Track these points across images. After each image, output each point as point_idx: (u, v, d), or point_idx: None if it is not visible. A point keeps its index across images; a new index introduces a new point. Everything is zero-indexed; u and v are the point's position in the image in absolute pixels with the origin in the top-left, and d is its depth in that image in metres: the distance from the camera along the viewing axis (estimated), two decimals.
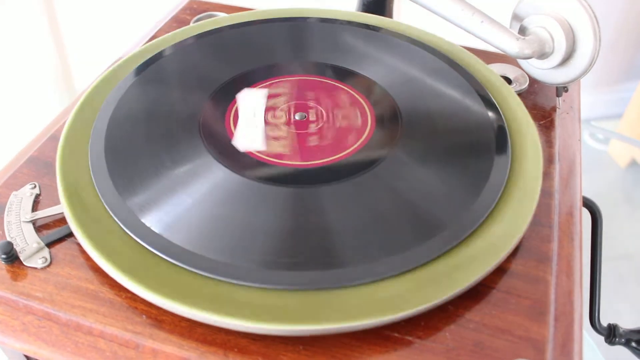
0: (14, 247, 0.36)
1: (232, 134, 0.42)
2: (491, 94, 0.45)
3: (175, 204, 0.37)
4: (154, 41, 0.50)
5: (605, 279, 0.47)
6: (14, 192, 0.40)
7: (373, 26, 0.51)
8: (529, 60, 0.49)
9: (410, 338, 0.32)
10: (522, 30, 0.48)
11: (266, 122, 0.43)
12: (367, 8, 0.59)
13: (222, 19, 0.53)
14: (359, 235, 0.35)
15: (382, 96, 0.45)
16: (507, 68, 0.51)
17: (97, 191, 0.38)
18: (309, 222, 0.36)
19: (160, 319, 0.33)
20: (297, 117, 0.43)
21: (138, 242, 0.35)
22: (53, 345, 0.33)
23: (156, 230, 0.35)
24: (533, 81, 0.50)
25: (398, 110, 0.44)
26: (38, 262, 0.36)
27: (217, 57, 0.49)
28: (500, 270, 0.36)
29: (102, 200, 0.37)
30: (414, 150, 0.41)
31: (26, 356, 0.39)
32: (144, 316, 0.33)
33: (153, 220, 0.36)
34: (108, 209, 0.37)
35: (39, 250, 0.37)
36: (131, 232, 0.35)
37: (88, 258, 0.36)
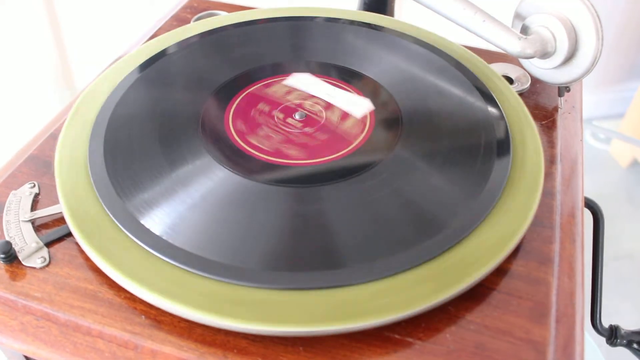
0: (13, 246, 0.36)
1: (232, 134, 0.42)
2: (493, 93, 0.45)
3: (175, 205, 0.37)
4: (153, 40, 0.50)
5: (607, 279, 0.47)
6: (13, 191, 0.40)
7: (374, 25, 0.51)
8: (531, 59, 0.48)
9: (410, 339, 0.32)
10: (524, 30, 0.47)
11: (266, 122, 0.43)
12: (368, 7, 0.59)
13: (222, 18, 0.53)
14: (359, 235, 0.35)
15: (383, 95, 0.45)
16: (509, 68, 0.51)
17: (96, 191, 0.37)
18: (309, 222, 0.36)
19: (159, 319, 0.33)
20: (297, 117, 0.43)
21: (136, 243, 0.35)
22: (52, 346, 0.33)
23: (155, 232, 0.35)
24: (535, 81, 0.50)
25: (399, 109, 0.43)
26: (37, 262, 0.36)
27: (217, 57, 0.48)
28: (501, 272, 0.35)
29: (101, 201, 0.37)
30: (414, 149, 0.41)
31: (26, 357, 0.39)
32: (143, 317, 0.33)
33: (152, 222, 0.36)
34: (107, 210, 0.36)
35: (38, 249, 0.36)
36: (130, 232, 0.35)
37: (87, 258, 0.36)
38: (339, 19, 0.52)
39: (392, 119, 0.43)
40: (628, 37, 1.33)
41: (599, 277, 0.46)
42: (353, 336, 0.32)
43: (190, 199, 0.37)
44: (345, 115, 0.43)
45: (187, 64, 0.48)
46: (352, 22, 0.51)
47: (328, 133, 0.42)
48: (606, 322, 0.46)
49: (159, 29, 0.56)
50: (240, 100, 0.44)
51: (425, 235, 0.35)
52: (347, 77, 0.46)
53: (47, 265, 0.36)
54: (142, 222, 0.36)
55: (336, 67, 0.48)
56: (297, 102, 0.44)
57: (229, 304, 0.32)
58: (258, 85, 0.46)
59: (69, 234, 0.37)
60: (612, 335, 0.45)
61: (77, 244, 0.36)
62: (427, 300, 0.32)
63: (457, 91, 0.45)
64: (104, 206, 0.37)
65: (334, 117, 0.43)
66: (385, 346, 0.32)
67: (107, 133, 0.41)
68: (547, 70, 0.48)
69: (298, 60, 0.48)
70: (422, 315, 0.33)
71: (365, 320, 0.31)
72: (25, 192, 0.40)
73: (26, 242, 0.37)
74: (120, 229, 0.36)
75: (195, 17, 0.56)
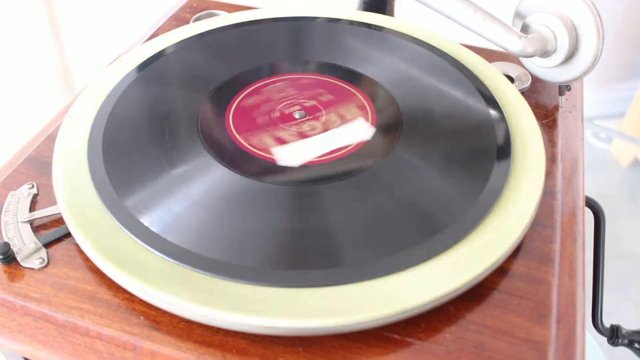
0: (11, 247, 0.36)
1: (232, 133, 0.41)
2: (493, 92, 0.45)
3: (174, 203, 0.37)
4: (152, 40, 0.50)
5: (609, 278, 0.47)
6: (12, 192, 0.40)
7: (374, 25, 0.51)
8: (531, 58, 0.48)
9: (410, 339, 0.32)
10: (525, 29, 0.47)
11: (268, 120, 0.42)
12: (368, 7, 0.59)
13: (221, 19, 0.53)
14: (358, 234, 0.35)
15: (383, 95, 0.45)
16: (510, 67, 0.51)
17: (95, 191, 0.37)
18: (308, 221, 0.36)
19: (158, 320, 0.33)
20: (297, 116, 0.43)
21: (136, 242, 0.35)
22: (50, 347, 0.33)
23: (154, 230, 0.35)
24: (535, 80, 0.50)
25: (399, 108, 0.43)
26: (35, 263, 0.36)
27: (216, 57, 0.48)
28: (501, 271, 0.35)
29: (100, 200, 0.37)
30: (414, 149, 0.40)
31: (25, 358, 0.39)
32: (141, 317, 0.33)
33: (151, 220, 0.36)
34: (106, 209, 0.36)
35: (37, 250, 0.36)
36: (129, 231, 0.35)
37: (86, 258, 0.36)
38: (339, 19, 0.52)
39: (392, 119, 0.43)
40: (629, 36, 1.33)
41: (600, 276, 0.46)
42: (352, 336, 0.32)
43: (189, 198, 0.37)
44: (345, 115, 0.43)
45: (186, 63, 0.47)
46: (351, 22, 0.51)
47: (328, 132, 0.41)
48: (608, 321, 0.46)
49: (158, 28, 0.56)
50: (240, 100, 0.44)
51: (425, 235, 0.35)
52: (347, 77, 0.46)
53: (46, 266, 0.36)
54: (142, 220, 0.36)
55: (336, 67, 0.47)
56: (297, 101, 0.44)
57: (228, 301, 0.31)
58: (258, 85, 0.46)
59: (68, 235, 0.37)
60: (614, 335, 0.45)
61: (75, 244, 0.36)
62: (426, 300, 0.32)
63: (458, 91, 0.45)
64: (103, 205, 0.37)
65: (334, 117, 0.43)
66: (385, 346, 0.32)
67: (105, 133, 0.41)
68: (547, 69, 0.48)
69: (298, 61, 0.48)
70: (422, 315, 0.33)
71: (363, 317, 0.31)
72: (24, 193, 0.40)
73: (24, 243, 0.36)
74: (120, 227, 0.35)
75: (195, 17, 0.56)
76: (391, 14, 0.59)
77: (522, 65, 0.50)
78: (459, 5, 0.46)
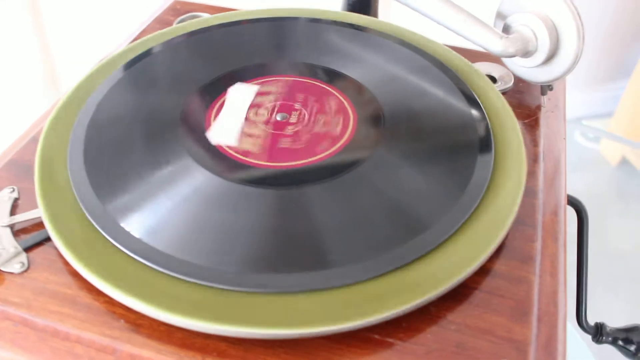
0: None
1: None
2: (475, 93, 0.45)
3: (156, 208, 0.36)
4: (135, 42, 0.50)
5: (596, 276, 0.47)
6: None
7: (357, 26, 0.51)
8: (513, 58, 0.48)
9: (391, 340, 0.32)
10: (506, 29, 0.47)
11: (247, 120, 0.42)
12: (352, 7, 0.59)
13: (205, 20, 0.53)
14: (340, 237, 0.35)
15: (365, 95, 0.45)
16: (492, 67, 0.51)
17: (76, 195, 0.37)
18: (289, 224, 0.36)
19: (138, 323, 0.33)
20: (278, 118, 0.43)
21: (116, 247, 0.35)
22: (30, 352, 0.32)
23: (135, 235, 0.35)
24: (518, 80, 0.50)
25: (381, 109, 0.43)
26: (15, 267, 0.35)
27: (198, 59, 0.48)
28: (483, 271, 0.35)
29: (81, 204, 0.37)
30: (396, 149, 0.40)
31: None
32: (121, 320, 0.33)
33: (132, 224, 0.35)
34: (86, 213, 0.36)
35: (17, 255, 0.36)
36: (109, 236, 0.35)
37: (66, 262, 0.35)
38: (322, 20, 0.52)
39: (374, 119, 0.43)
40: (617, 37, 1.34)
41: (584, 275, 0.46)
42: (333, 337, 0.32)
43: (171, 202, 0.37)
44: (327, 116, 0.43)
45: (169, 65, 0.47)
46: (335, 23, 0.51)
47: (309, 134, 0.41)
48: (595, 319, 0.46)
49: (142, 31, 0.56)
50: (222, 102, 0.44)
51: (406, 237, 0.35)
52: (330, 78, 0.46)
53: (26, 270, 0.35)
54: (122, 225, 0.35)
55: (319, 67, 0.47)
56: (277, 103, 0.44)
57: (207, 307, 0.31)
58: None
59: (48, 239, 0.37)
60: (598, 333, 0.45)
61: (56, 248, 0.36)
62: (407, 302, 0.32)
63: (440, 91, 0.45)
64: (83, 210, 0.36)
65: (316, 118, 0.43)
66: (366, 347, 0.32)
67: (87, 136, 0.41)
68: (529, 69, 0.48)
69: (280, 61, 0.48)
70: (403, 315, 0.33)
71: (344, 322, 0.31)
72: (4, 197, 0.39)
73: (4, 247, 0.36)
74: (100, 232, 0.35)
75: (178, 19, 0.56)
76: (375, 15, 0.59)
77: (505, 66, 0.51)
78: (441, 6, 0.46)
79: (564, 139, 0.46)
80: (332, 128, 0.42)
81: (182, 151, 0.40)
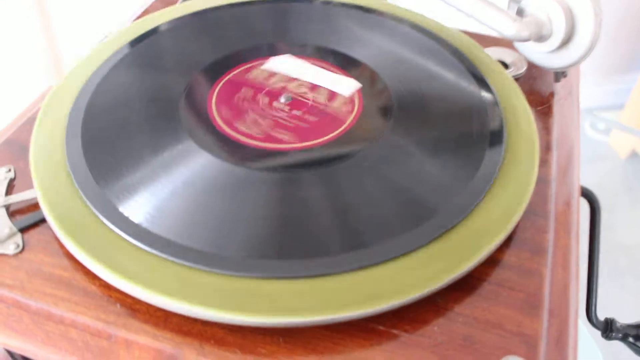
0: None
1: (214, 118, 0.40)
2: (487, 78, 0.43)
3: (155, 191, 0.35)
4: (136, 22, 0.48)
5: (605, 270, 0.46)
6: None
7: (367, 8, 0.50)
8: (526, 43, 0.47)
9: (396, 331, 0.31)
10: (520, 12, 0.46)
11: (252, 105, 0.41)
12: None
13: (206, 1, 0.51)
14: (345, 223, 0.34)
15: (374, 79, 0.43)
16: (505, 52, 0.49)
17: (72, 176, 0.36)
18: (293, 208, 0.35)
19: (135, 307, 0.32)
20: (282, 100, 0.41)
21: (113, 230, 0.33)
22: (23, 335, 0.32)
23: (133, 219, 0.34)
24: (531, 66, 0.49)
25: (389, 93, 0.42)
26: (10, 248, 0.34)
27: (200, 40, 0.47)
28: (492, 262, 0.34)
29: (77, 186, 0.35)
30: (404, 134, 0.39)
31: (8, 351, 0.38)
32: (118, 305, 0.32)
33: (130, 208, 0.34)
34: (82, 195, 0.35)
35: (11, 236, 0.35)
36: (105, 218, 0.34)
37: (62, 244, 0.34)
38: (330, 1, 0.50)
39: (382, 103, 0.41)
40: (631, 27, 1.31)
41: (595, 268, 0.45)
42: (335, 327, 0.31)
43: (171, 185, 0.36)
44: (332, 97, 0.41)
45: (170, 46, 0.46)
46: (343, 4, 0.50)
47: (315, 116, 0.40)
48: (603, 314, 0.45)
49: (144, 11, 0.54)
50: (223, 84, 0.43)
51: (413, 223, 0.34)
52: (337, 61, 0.45)
53: (21, 252, 0.34)
54: (120, 208, 0.34)
55: (326, 50, 0.46)
56: (282, 84, 0.43)
57: (206, 293, 0.30)
58: (242, 68, 0.44)
59: (44, 220, 0.36)
60: (607, 329, 0.44)
61: (52, 229, 0.35)
62: (413, 292, 0.31)
63: (451, 76, 0.44)
64: (79, 191, 0.35)
65: (321, 100, 0.41)
66: (370, 338, 0.31)
67: (85, 116, 0.40)
68: (543, 55, 0.46)
69: (286, 43, 0.47)
70: (409, 306, 0.31)
71: (348, 311, 0.30)
72: (0, 177, 0.38)
73: None
74: (96, 214, 0.34)
75: None
76: None
77: (518, 51, 0.49)
78: None
79: (578, 127, 0.45)
80: (338, 111, 0.40)
81: (184, 133, 0.38)
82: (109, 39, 0.47)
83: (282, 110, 0.41)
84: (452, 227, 0.34)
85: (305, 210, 0.34)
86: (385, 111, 0.40)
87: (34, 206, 0.37)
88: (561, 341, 0.31)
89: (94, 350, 0.31)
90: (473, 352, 0.30)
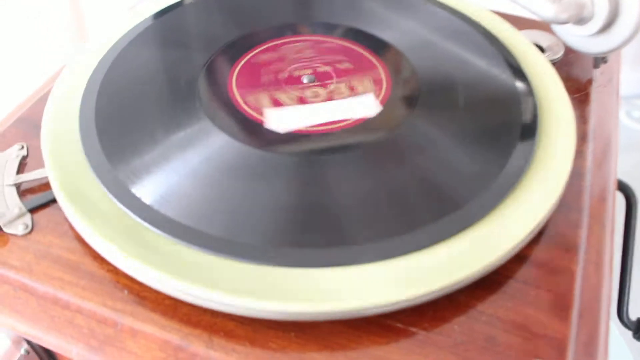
0: None
1: (235, 97, 0.38)
2: (521, 62, 0.41)
3: (169, 173, 0.34)
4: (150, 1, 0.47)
5: (638, 267, 0.43)
6: (0, 153, 0.37)
7: None
8: (564, 26, 0.44)
9: (414, 329, 0.29)
10: None
11: (273, 84, 0.39)
12: None
13: None
14: (365, 212, 0.32)
15: (401, 61, 0.41)
16: (541, 35, 0.47)
17: (85, 155, 0.35)
18: (313, 194, 0.33)
19: (143, 295, 0.31)
20: (305, 81, 0.39)
21: (124, 211, 0.32)
22: (28, 319, 0.31)
23: (145, 201, 0.32)
24: (568, 50, 0.46)
25: (417, 76, 0.40)
26: (19, 229, 0.33)
27: (221, 17, 0.45)
28: (519, 258, 0.32)
29: (89, 166, 0.34)
30: (431, 120, 0.37)
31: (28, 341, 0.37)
32: (125, 291, 0.31)
33: (143, 189, 0.33)
34: (95, 175, 0.34)
35: (21, 216, 0.34)
36: (117, 199, 0.32)
37: (72, 226, 0.33)
38: None
39: (409, 87, 0.39)
40: None
41: (629, 265, 0.42)
42: (351, 323, 0.29)
43: (185, 167, 0.34)
44: (359, 81, 0.39)
45: (189, 23, 0.44)
46: None
47: (338, 99, 0.38)
48: (635, 314, 0.43)
49: None
50: (245, 62, 0.41)
51: (437, 214, 0.32)
52: (362, 41, 0.43)
53: (30, 233, 0.33)
54: (132, 189, 0.33)
55: (352, 29, 0.44)
56: (309, 64, 0.41)
57: (215, 279, 0.29)
58: (265, 47, 0.42)
59: (54, 200, 0.35)
60: (639, 329, 0.42)
61: (62, 210, 0.34)
62: (436, 287, 0.29)
63: (482, 60, 0.41)
64: (92, 171, 0.34)
65: (346, 83, 0.39)
66: (387, 335, 0.29)
67: (100, 94, 0.38)
68: (582, 39, 0.43)
69: (309, 21, 0.45)
70: (429, 303, 0.30)
71: (364, 303, 0.28)
72: (12, 155, 0.37)
73: (8, 207, 0.34)
74: (107, 194, 0.33)
75: None
76: None
77: (555, 34, 0.46)
78: None
79: (616, 117, 0.42)
80: (364, 93, 0.39)
81: (200, 113, 0.37)
82: (126, 16, 0.45)
83: (306, 91, 0.39)
84: (479, 221, 0.32)
85: (326, 197, 0.33)
86: (412, 98, 0.38)
87: (45, 185, 0.36)
88: (591, 346, 0.29)
89: (100, 337, 0.30)
90: (495, 355, 0.28)
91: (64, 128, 0.37)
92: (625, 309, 0.42)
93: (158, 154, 0.35)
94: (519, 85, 0.39)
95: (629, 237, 0.42)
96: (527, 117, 0.37)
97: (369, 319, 0.30)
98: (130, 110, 0.38)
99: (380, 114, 0.37)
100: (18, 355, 0.36)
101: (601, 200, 0.36)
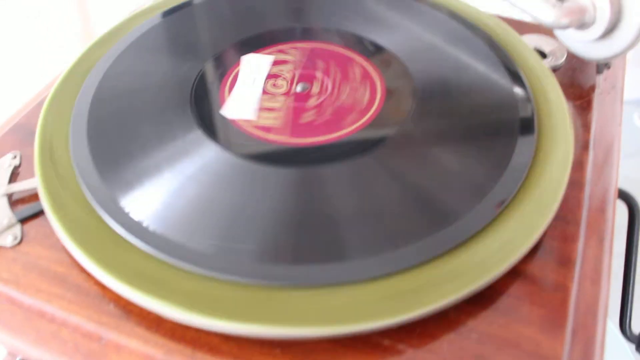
0: None
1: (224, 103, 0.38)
2: (521, 68, 0.40)
3: (159, 187, 0.33)
4: (147, 6, 0.47)
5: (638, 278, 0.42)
6: None
7: None
8: (566, 31, 0.43)
9: (402, 346, 0.29)
10: None
11: (264, 92, 0.39)
12: None
13: None
14: (356, 226, 0.31)
15: (396, 65, 0.40)
16: (543, 40, 0.46)
17: (74, 165, 0.35)
18: (302, 208, 0.32)
19: (128, 309, 0.30)
20: (298, 89, 0.39)
21: (112, 227, 0.32)
22: (14, 331, 0.30)
23: (134, 217, 0.32)
24: (572, 56, 0.45)
25: (412, 81, 0.39)
26: (7, 240, 0.33)
27: (214, 25, 0.45)
28: (513, 273, 0.31)
29: (77, 175, 0.34)
30: (426, 128, 0.36)
31: None
32: (111, 305, 0.30)
33: (133, 205, 0.33)
34: (82, 186, 0.34)
35: (10, 226, 0.34)
36: (106, 215, 0.32)
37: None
38: None
39: (404, 93, 0.38)
40: None
41: (632, 277, 0.41)
42: (337, 340, 0.29)
43: (175, 182, 0.34)
44: (352, 88, 0.39)
45: (181, 32, 0.44)
46: None
47: (331, 108, 0.38)
48: (639, 327, 0.42)
49: None
50: (237, 72, 0.40)
51: (429, 229, 0.31)
52: (356, 46, 0.42)
53: (19, 244, 0.33)
54: (122, 204, 0.33)
55: (344, 34, 0.43)
56: (301, 72, 0.40)
57: (197, 299, 0.29)
58: (262, 52, 0.42)
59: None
60: None
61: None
62: (427, 305, 0.28)
63: (480, 64, 0.40)
64: (82, 183, 0.34)
65: (339, 90, 0.39)
66: (373, 353, 0.28)
67: (93, 103, 0.38)
68: (584, 44, 0.42)
69: (302, 26, 0.44)
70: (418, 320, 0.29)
71: (352, 324, 0.28)
72: (5, 164, 0.37)
73: None
74: (94, 209, 0.33)
75: None
76: None
77: (557, 39, 0.45)
78: None
79: (619, 125, 0.41)
80: (358, 100, 0.38)
81: (193, 125, 0.37)
82: (120, 23, 0.45)
83: (299, 99, 0.38)
84: (472, 235, 0.31)
85: (314, 210, 0.32)
86: (407, 100, 0.38)
87: (36, 196, 0.36)
88: None
89: (84, 352, 0.29)
90: None
91: (56, 137, 0.37)
92: (627, 321, 0.41)
93: (148, 167, 0.35)
94: (517, 91, 0.38)
95: (631, 248, 0.41)
96: (523, 125, 0.36)
97: (356, 335, 0.29)
98: (122, 120, 0.37)
99: (373, 124, 0.37)
100: None
101: (600, 211, 0.35)
